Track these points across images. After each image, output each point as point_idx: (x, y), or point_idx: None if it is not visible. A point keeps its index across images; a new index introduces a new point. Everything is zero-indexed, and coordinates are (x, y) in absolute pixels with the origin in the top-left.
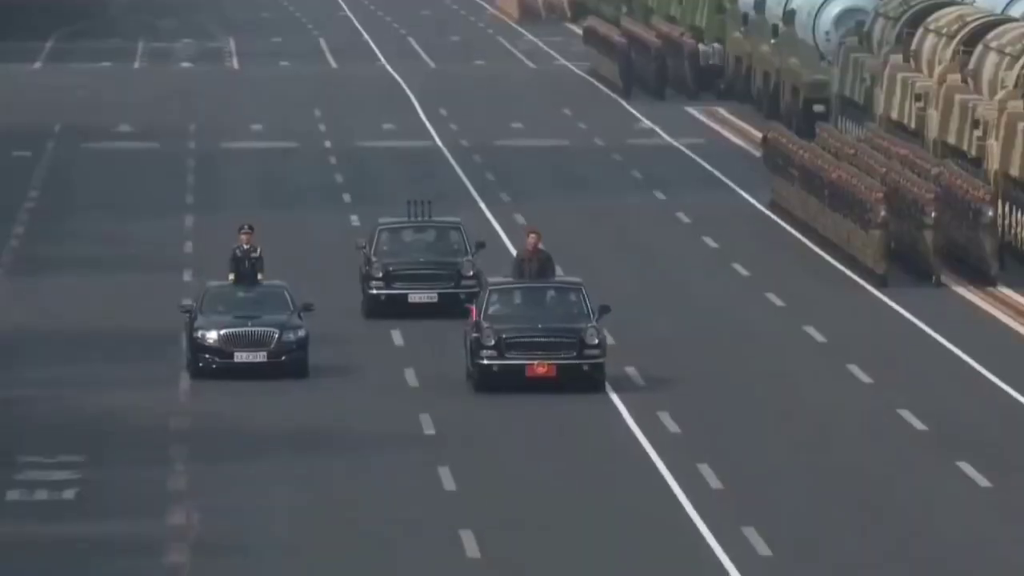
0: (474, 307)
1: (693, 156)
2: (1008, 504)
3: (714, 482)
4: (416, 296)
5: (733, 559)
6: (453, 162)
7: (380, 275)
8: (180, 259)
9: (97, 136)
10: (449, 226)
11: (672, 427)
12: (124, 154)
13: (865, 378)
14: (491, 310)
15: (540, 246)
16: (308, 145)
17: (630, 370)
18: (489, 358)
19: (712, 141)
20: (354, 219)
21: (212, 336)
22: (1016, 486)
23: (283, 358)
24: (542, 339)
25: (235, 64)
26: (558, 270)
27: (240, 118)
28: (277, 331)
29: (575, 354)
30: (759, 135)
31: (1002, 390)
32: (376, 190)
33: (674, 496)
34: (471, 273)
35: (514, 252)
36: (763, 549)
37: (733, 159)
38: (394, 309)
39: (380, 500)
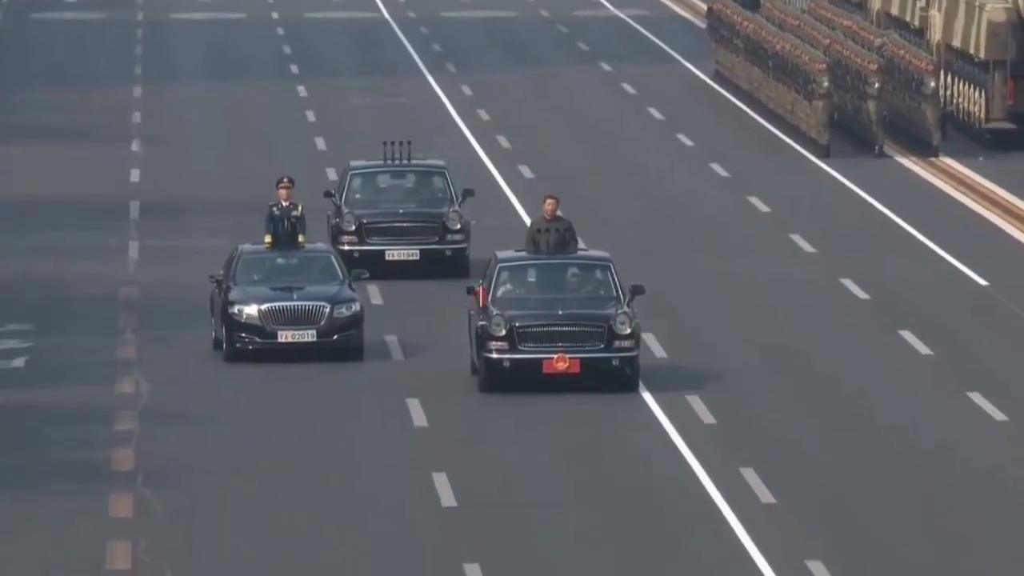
0: (481, 287)
1: (638, 27)
2: (947, 372)
3: (659, 351)
4: (395, 253)
5: (676, 424)
6: (400, 34)
7: (352, 228)
8: (129, 129)
9: (46, 6)
10: (432, 170)
11: None
12: (72, 25)
13: (808, 248)
14: (501, 292)
15: (559, 213)
16: (255, 16)
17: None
18: (499, 351)
19: (657, 12)
20: (301, 90)
21: (251, 312)
22: (956, 354)
23: (335, 337)
24: (563, 328)
25: None
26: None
27: None
28: (328, 305)
29: (602, 346)
30: (704, 6)
31: (943, 259)
32: (323, 62)
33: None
34: (458, 226)
35: (460, 122)
36: (707, 417)
37: (678, 30)
38: (370, 267)
39: (331, 375)
